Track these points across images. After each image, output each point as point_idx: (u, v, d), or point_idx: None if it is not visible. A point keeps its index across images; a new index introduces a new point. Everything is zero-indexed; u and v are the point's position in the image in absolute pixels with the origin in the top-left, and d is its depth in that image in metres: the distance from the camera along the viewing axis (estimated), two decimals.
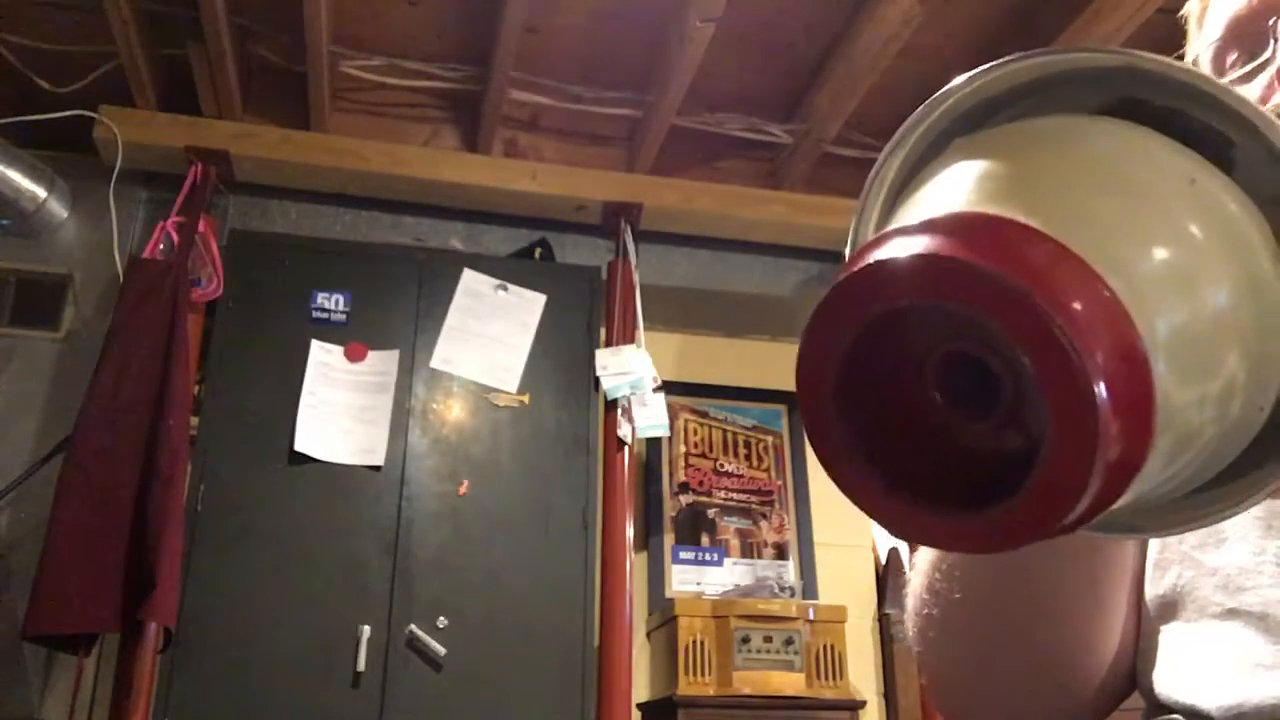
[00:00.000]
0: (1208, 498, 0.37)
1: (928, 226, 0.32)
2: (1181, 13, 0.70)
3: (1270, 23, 0.54)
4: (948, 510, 0.33)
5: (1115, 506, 0.32)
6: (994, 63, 0.37)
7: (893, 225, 0.36)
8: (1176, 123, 0.35)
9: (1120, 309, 0.30)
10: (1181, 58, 0.68)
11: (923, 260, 0.31)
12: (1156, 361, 0.30)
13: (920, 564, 0.61)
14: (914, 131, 0.40)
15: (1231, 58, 0.59)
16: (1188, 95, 0.35)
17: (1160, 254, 0.32)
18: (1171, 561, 0.59)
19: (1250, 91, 0.58)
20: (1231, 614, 0.54)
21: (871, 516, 0.35)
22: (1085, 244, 0.30)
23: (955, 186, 0.36)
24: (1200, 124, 0.35)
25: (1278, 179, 0.34)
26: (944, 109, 0.39)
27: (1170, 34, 0.74)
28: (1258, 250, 0.34)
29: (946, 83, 0.39)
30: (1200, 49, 0.63)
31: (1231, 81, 0.58)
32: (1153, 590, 0.60)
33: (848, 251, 0.41)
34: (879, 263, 0.31)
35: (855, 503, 0.35)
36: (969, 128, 0.39)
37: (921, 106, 0.39)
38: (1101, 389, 0.28)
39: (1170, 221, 0.33)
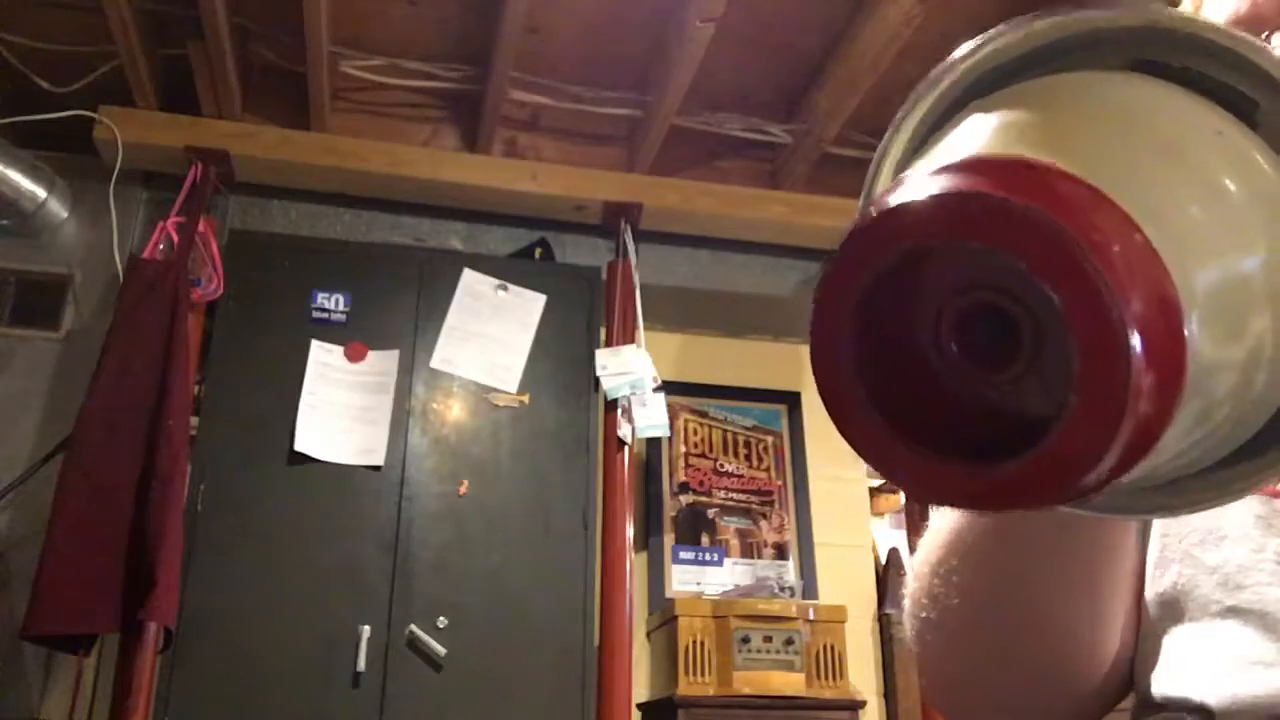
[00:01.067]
0: (1212, 480, 0.36)
1: (952, 167, 0.30)
2: None
3: (1263, 36, 0.54)
4: (963, 465, 0.32)
5: (1126, 477, 0.30)
6: (1011, 23, 0.36)
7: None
8: (1197, 83, 0.34)
9: (1156, 256, 0.28)
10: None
11: (950, 197, 0.29)
12: (1189, 316, 0.29)
13: (918, 566, 0.61)
14: (930, 93, 0.39)
15: None
16: (1210, 53, 0.33)
17: (1194, 206, 0.31)
18: (1172, 560, 0.59)
19: None
20: (1231, 612, 0.54)
21: (883, 472, 0.33)
22: (1118, 189, 0.29)
23: (977, 137, 0.34)
24: (1222, 84, 0.33)
25: None
26: (961, 71, 0.38)
27: None
28: None
29: None
30: None
31: None
32: (1153, 589, 0.60)
33: (859, 206, 0.39)
34: (897, 203, 0.30)
35: (866, 458, 0.34)
36: (984, 92, 0.38)
37: (936, 68, 0.38)
38: (1135, 337, 0.27)
39: (1202, 174, 0.32)
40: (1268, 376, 0.32)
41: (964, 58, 0.37)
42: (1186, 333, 0.28)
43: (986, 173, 0.29)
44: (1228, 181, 0.31)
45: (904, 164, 0.40)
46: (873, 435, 0.33)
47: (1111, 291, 0.27)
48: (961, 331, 0.33)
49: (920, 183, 0.30)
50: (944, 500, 0.34)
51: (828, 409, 0.34)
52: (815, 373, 0.34)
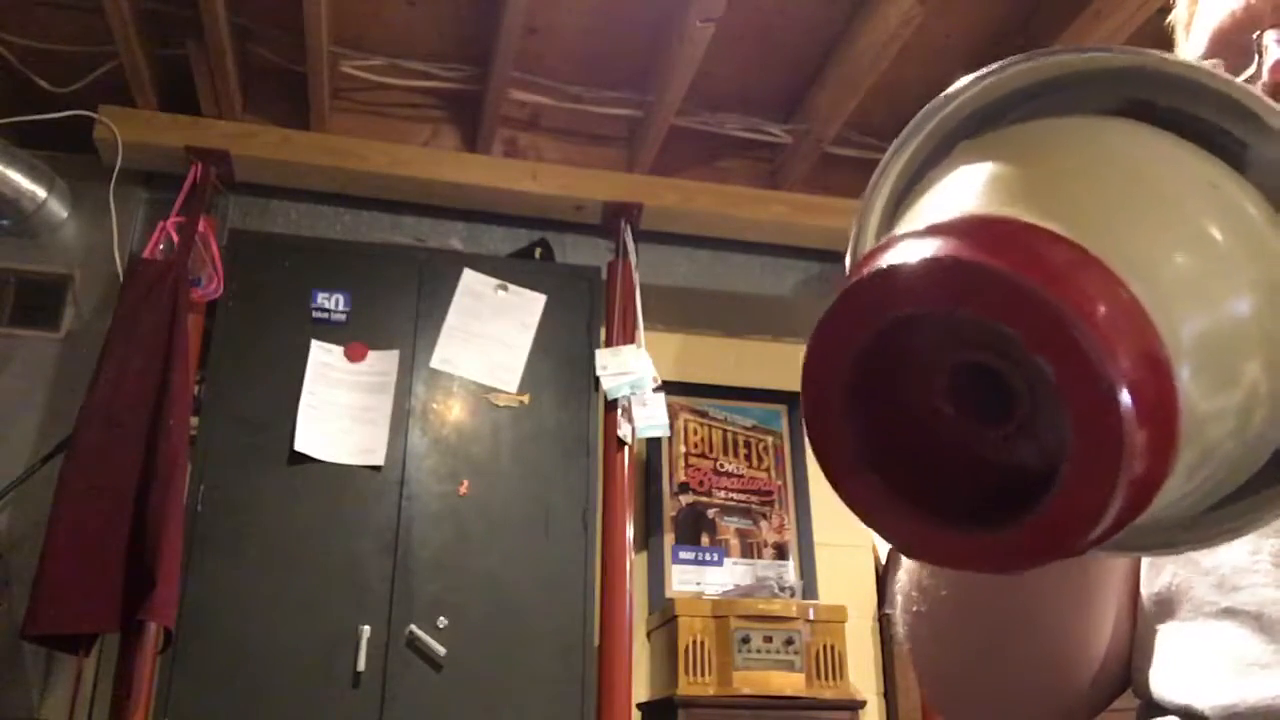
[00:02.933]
0: (1215, 517, 0.36)
1: (938, 229, 0.30)
2: (1169, 20, 0.69)
3: (1254, 36, 0.54)
4: (960, 527, 0.31)
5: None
6: (998, 64, 0.36)
7: (897, 231, 0.34)
8: (1186, 124, 0.34)
9: (1143, 314, 0.28)
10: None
11: (935, 264, 0.29)
12: (1180, 369, 0.29)
13: (908, 560, 0.60)
14: (915, 136, 0.39)
15: None
16: (1200, 95, 0.33)
17: (1182, 258, 0.31)
18: (1166, 562, 0.58)
19: None
20: (1226, 613, 0.54)
21: (880, 534, 0.33)
22: (1104, 246, 0.29)
23: (963, 190, 0.34)
24: (1212, 125, 0.33)
25: None
26: (946, 113, 0.38)
27: (1168, 40, 0.74)
28: (1277, 254, 0.32)
29: (947, 83, 0.38)
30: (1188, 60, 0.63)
31: None
32: (1148, 589, 0.60)
33: (848, 262, 0.39)
34: (888, 269, 0.30)
35: (863, 519, 0.33)
36: (972, 132, 0.37)
37: (923, 110, 0.38)
38: (1126, 396, 0.27)
39: (1191, 225, 0.32)
40: (1265, 418, 0.32)
41: (957, 94, 0.37)
42: (1177, 386, 0.28)
43: (975, 237, 0.29)
44: (1217, 233, 0.31)
45: (896, 201, 0.40)
46: (867, 494, 0.33)
47: (1099, 354, 0.27)
48: (955, 389, 0.33)
49: (909, 245, 0.30)
50: (940, 562, 0.34)
51: (821, 466, 0.34)
52: (809, 431, 0.34)
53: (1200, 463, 0.31)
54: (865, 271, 0.31)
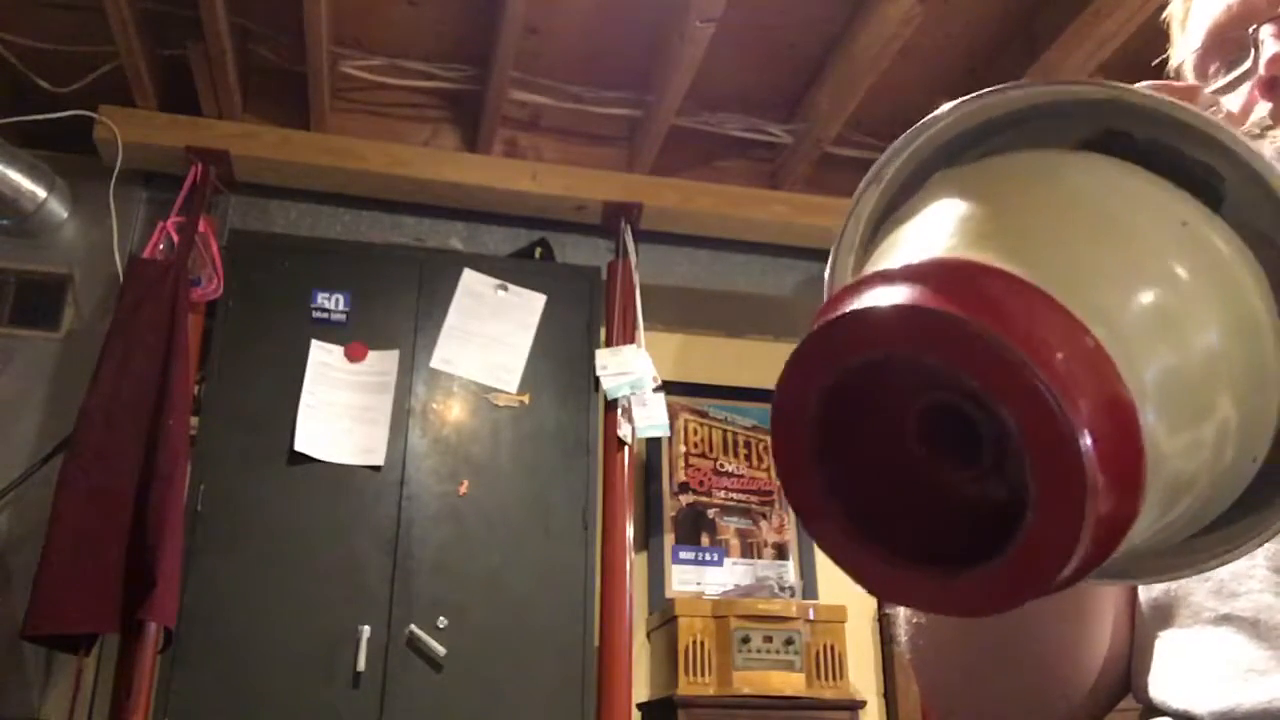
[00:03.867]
0: (1201, 542, 0.36)
1: (906, 274, 0.31)
2: (1164, 15, 0.69)
3: (1250, 30, 0.54)
4: (930, 571, 0.32)
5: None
6: (976, 94, 0.36)
7: (871, 264, 0.35)
8: (1162, 156, 0.34)
9: (1105, 358, 0.29)
10: (1165, 61, 0.68)
11: (900, 311, 0.30)
12: (1145, 411, 0.29)
13: None
14: (893, 163, 0.39)
15: (1213, 66, 0.59)
16: (1175, 128, 0.34)
17: (1147, 299, 0.31)
18: None
19: (1231, 103, 0.57)
20: (1224, 619, 0.54)
21: (852, 576, 0.33)
22: (1068, 290, 0.29)
23: (934, 227, 0.34)
24: (1187, 157, 0.34)
25: (1267, 215, 0.33)
26: (924, 139, 0.38)
27: (1166, 39, 0.74)
28: (1249, 292, 0.32)
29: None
30: (1183, 56, 0.63)
31: (1212, 93, 0.58)
32: (1146, 595, 0.60)
33: (825, 288, 0.40)
34: (855, 312, 0.30)
35: (833, 559, 0.33)
36: (950, 159, 0.38)
37: (901, 137, 0.38)
38: (1087, 442, 0.27)
39: (1157, 265, 0.32)
40: (1237, 448, 0.32)
41: (934, 122, 0.38)
42: (1141, 427, 0.29)
43: (936, 283, 0.30)
44: (1184, 273, 0.32)
45: (871, 229, 0.40)
46: (837, 536, 0.33)
47: (1059, 401, 0.27)
48: (926, 430, 0.34)
49: (876, 291, 0.30)
50: (909, 604, 0.34)
51: (792, 506, 0.34)
52: (779, 472, 0.34)
53: (1175, 496, 0.32)
54: (832, 315, 0.31)
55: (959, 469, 0.33)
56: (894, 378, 0.33)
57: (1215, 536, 0.36)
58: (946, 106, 0.37)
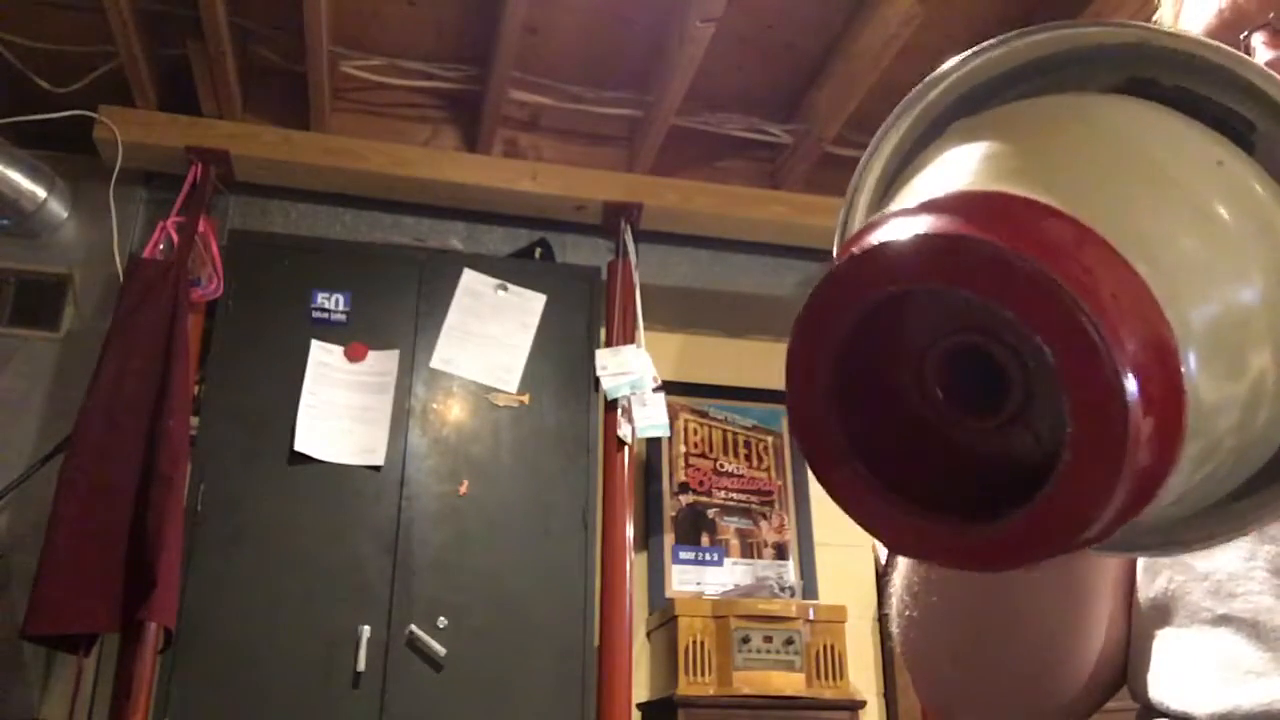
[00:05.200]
0: (1216, 516, 0.34)
1: (930, 206, 0.28)
2: (1154, 20, 0.69)
3: (1240, 37, 0.54)
4: (950, 522, 0.30)
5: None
6: (995, 39, 0.34)
7: (890, 207, 0.32)
8: (1190, 103, 0.32)
9: (1150, 296, 0.27)
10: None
11: (928, 241, 0.27)
12: (1187, 356, 0.27)
13: (901, 563, 0.60)
14: (907, 115, 0.37)
15: None
16: (1205, 73, 0.32)
17: (1188, 239, 0.29)
18: (1162, 566, 0.58)
19: None
20: (1222, 620, 0.54)
21: (866, 528, 0.31)
22: (1109, 226, 0.27)
23: (957, 168, 0.32)
24: (1216, 104, 0.32)
25: None
26: (941, 89, 0.36)
27: None
28: None
29: None
30: None
31: None
32: (1143, 594, 0.60)
33: (836, 243, 0.38)
34: (879, 245, 0.28)
35: (848, 511, 0.32)
36: (967, 112, 0.36)
37: (914, 89, 0.36)
38: (1131, 383, 0.25)
39: (1197, 205, 0.30)
40: (1270, 411, 0.30)
41: (951, 71, 0.36)
42: (1184, 374, 0.27)
43: (970, 213, 0.27)
44: (1225, 213, 0.30)
45: (887, 182, 0.38)
46: (853, 486, 0.31)
47: (1104, 338, 0.25)
48: (946, 375, 0.31)
49: (902, 222, 0.28)
50: (930, 558, 0.32)
51: (805, 455, 0.32)
52: (791, 417, 0.32)
53: (1205, 457, 0.30)
54: (854, 250, 0.29)
55: (981, 419, 0.31)
56: (913, 323, 0.32)
57: (1220, 513, 0.34)
58: (963, 54, 0.35)
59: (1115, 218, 0.28)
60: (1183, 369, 0.27)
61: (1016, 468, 0.30)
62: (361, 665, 2.37)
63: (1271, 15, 0.52)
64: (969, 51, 0.35)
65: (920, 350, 0.32)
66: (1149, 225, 0.29)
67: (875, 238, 0.28)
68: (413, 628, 2.43)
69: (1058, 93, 0.34)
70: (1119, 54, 0.33)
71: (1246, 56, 0.31)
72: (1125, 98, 0.33)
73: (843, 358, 0.30)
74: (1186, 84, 0.32)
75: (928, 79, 0.36)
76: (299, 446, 2.52)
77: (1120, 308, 0.26)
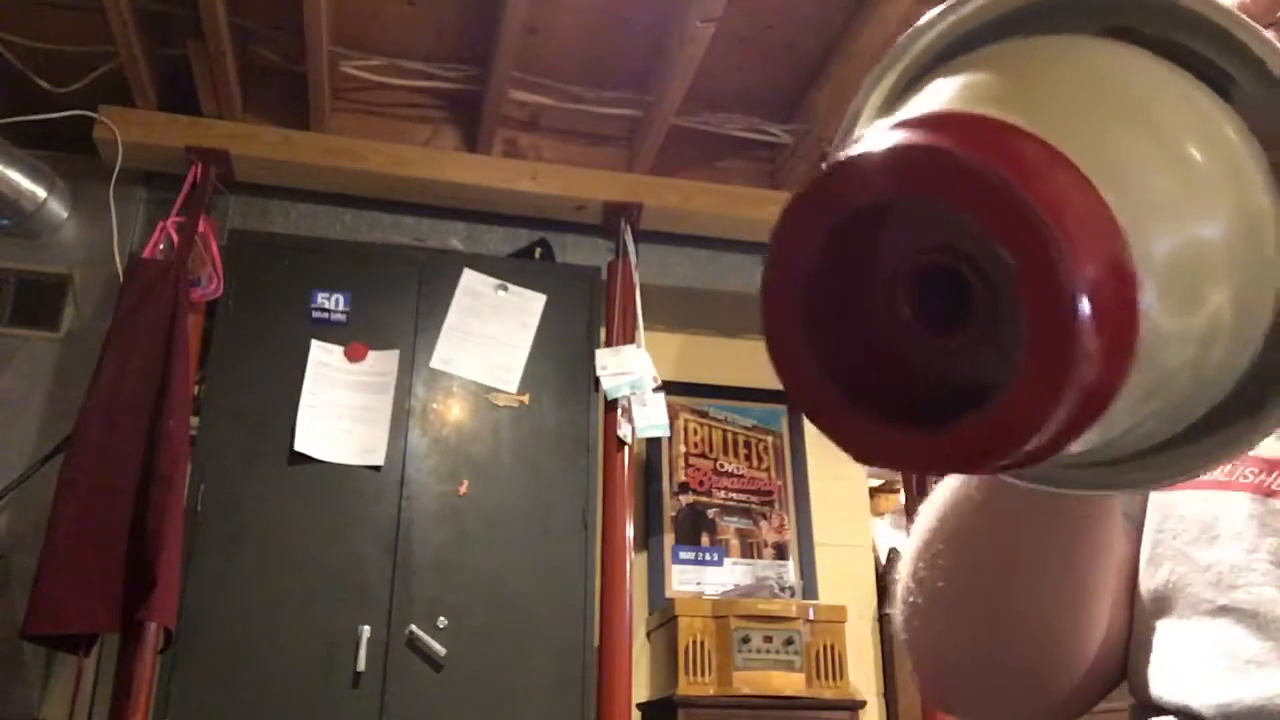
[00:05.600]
0: (1164, 459, 0.36)
1: (908, 123, 0.29)
2: None
3: None
4: (916, 429, 0.31)
5: (1077, 448, 0.30)
6: None
7: None
8: (1172, 53, 0.33)
9: (1113, 221, 0.28)
10: None
11: (900, 152, 0.28)
12: (1145, 284, 0.28)
13: (908, 552, 0.61)
14: (892, 68, 0.38)
15: None
16: (1188, 24, 0.33)
17: (1160, 174, 0.30)
18: (1164, 557, 0.58)
19: None
20: (1223, 611, 0.54)
21: (835, 439, 0.33)
22: (1082, 153, 0.28)
23: (940, 96, 0.33)
24: (1198, 55, 0.33)
25: (1277, 117, 0.32)
26: (927, 40, 0.37)
27: None
28: (1256, 184, 0.32)
29: None
30: None
31: None
32: (1144, 585, 0.60)
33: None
34: (850, 159, 0.29)
35: (816, 423, 0.33)
36: (950, 58, 0.37)
37: (899, 40, 0.37)
38: (1085, 301, 0.26)
39: (1170, 141, 0.31)
40: (1226, 349, 0.32)
41: (936, 20, 0.37)
42: (1140, 300, 0.28)
43: (943, 128, 0.28)
44: (1198, 154, 0.31)
45: (888, 108, 0.39)
46: (822, 398, 0.32)
47: (1063, 253, 0.26)
48: (914, 295, 0.33)
49: (876, 137, 0.29)
50: (890, 463, 0.33)
51: (778, 372, 0.33)
52: (767, 336, 0.33)
53: (1156, 388, 0.31)
54: (826, 164, 0.30)
55: (949, 336, 0.32)
56: (884, 244, 0.33)
57: (1169, 455, 0.35)
58: (944, 6, 0.36)
59: (1089, 146, 0.29)
60: (1138, 294, 0.28)
61: (982, 385, 0.31)
62: (361, 665, 2.37)
63: (1279, 16, 0.52)
64: (950, 3, 0.36)
65: (890, 270, 0.33)
66: (1121, 157, 0.30)
67: (849, 152, 0.29)
68: (413, 628, 2.43)
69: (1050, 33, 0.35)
70: (1104, 3, 0.34)
71: (1226, 7, 0.32)
72: (1110, 40, 0.34)
73: (816, 275, 0.32)
74: (1169, 34, 0.33)
75: (912, 29, 0.37)
76: (299, 446, 2.52)
77: (1083, 227, 0.27)
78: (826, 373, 0.32)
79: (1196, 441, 0.35)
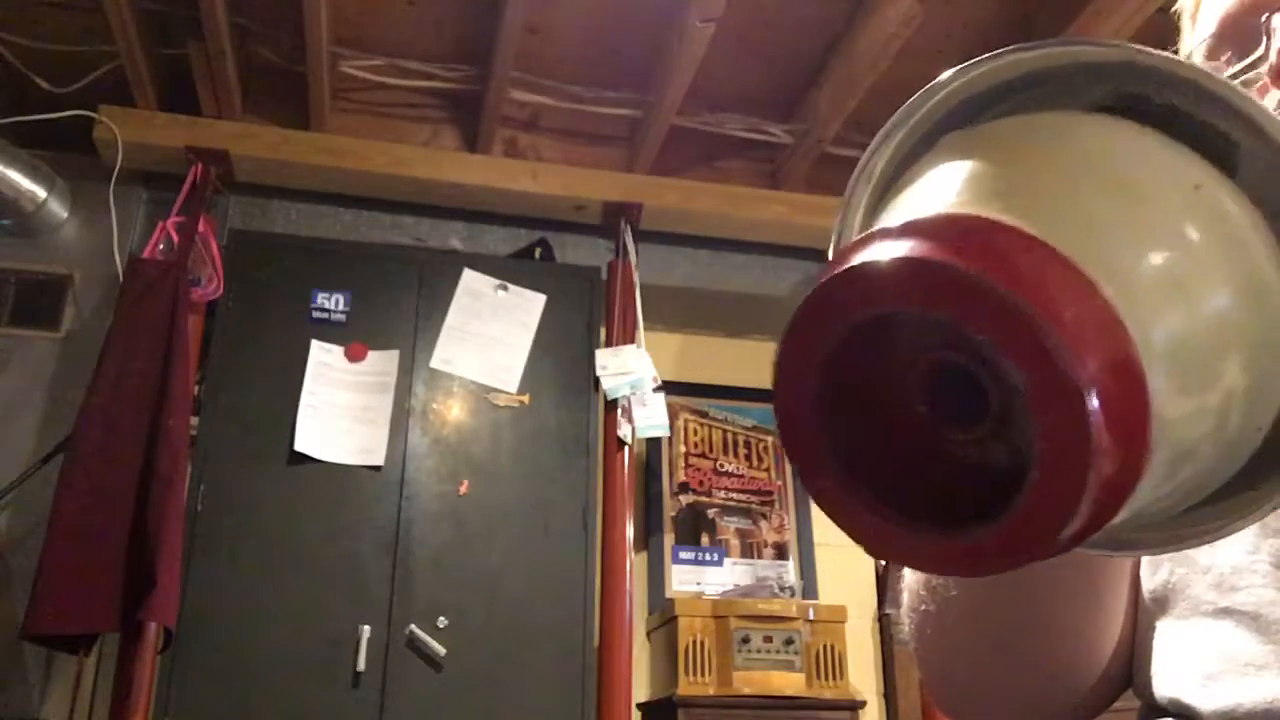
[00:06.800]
0: (1201, 515, 0.36)
1: (912, 229, 0.30)
2: (1175, 9, 0.69)
3: (1262, 19, 0.54)
4: (931, 530, 0.31)
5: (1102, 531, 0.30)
6: (989, 55, 0.36)
7: (878, 224, 0.34)
8: (1177, 121, 0.33)
9: (1114, 317, 0.28)
10: (1175, 55, 0.67)
11: (907, 264, 0.29)
12: (1153, 373, 0.29)
13: None
14: (904, 125, 0.39)
15: (1225, 56, 0.59)
16: (1191, 92, 0.33)
17: (1158, 259, 0.31)
18: (1164, 559, 0.58)
19: None
20: (1224, 613, 0.54)
21: (849, 533, 0.33)
22: (1079, 248, 0.29)
23: (943, 185, 0.34)
24: (1203, 123, 0.33)
25: None
26: (935, 101, 0.38)
27: (1172, 34, 0.74)
28: (1261, 258, 0.32)
29: None
30: (1193, 46, 0.63)
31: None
32: (1145, 586, 0.60)
33: (831, 250, 0.39)
34: (861, 266, 0.30)
35: (836, 521, 0.33)
36: (961, 122, 0.37)
37: (913, 98, 0.38)
38: (1094, 402, 0.27)
39: (1169, 227, 0.31)
40: (1242, 417, 0.32)
41: (946, 83, 0.37)
42: (1149, 388, 0.28)
43: (946, 237, 0.29)
44: (1195, 234, 0.31)
45: (881, 190, 0.40)
46: (836, 492, 0.33)
47: (1067, 358, 0.27)
48: (930, 389, 0.33)
49: (884, 245, 0.30)
50: (909, 564, 0.34)
51: (791, 461, 0.34)
52: (779, 426, 0.34)
53: (1178, 463, 0.31)
54: (837, 269, 0.31)
55: (963, 431, 0.33)
56: (899, 336, 0.33)
57: (1212, 510, 0.36)
58: (957, 68, 0.37)
59: (1087, 240, 0.29)
60: (1147, 384, 0.28)
61: (998, 478, 0.31)
62: (361, 665, 2.37)
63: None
64: (959, 68, 0.36)
65: (905, 363, 0.33)
66: (1120, 247, 0.30)
67: (859, 258, 0.30)
68: (413, 628, 2.43)
69: (1050, 106, 0.36)
70: (1112, 70, 0.35)
71: (1223, 77, 0.33)
72: (1109, 117, 0.34)
73: (829, 368, 0.32)
74: (1174, 101, 0.34)
75: (923, 90, 0.38)
76: (299, 446, 2.52)
77: (1084, 329, 0.27)
78: (840, 467, 0.33)
79: (1221, 501, 0.35)
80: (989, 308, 0.27)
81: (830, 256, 0.34)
